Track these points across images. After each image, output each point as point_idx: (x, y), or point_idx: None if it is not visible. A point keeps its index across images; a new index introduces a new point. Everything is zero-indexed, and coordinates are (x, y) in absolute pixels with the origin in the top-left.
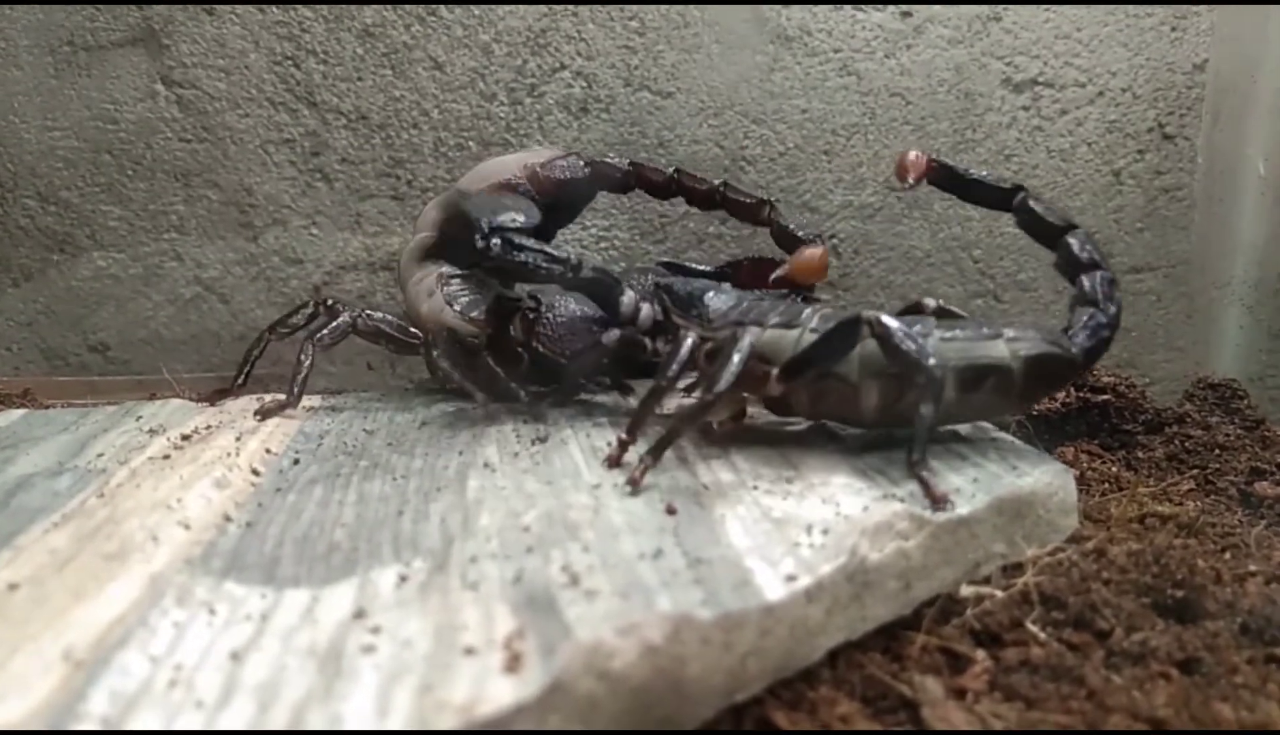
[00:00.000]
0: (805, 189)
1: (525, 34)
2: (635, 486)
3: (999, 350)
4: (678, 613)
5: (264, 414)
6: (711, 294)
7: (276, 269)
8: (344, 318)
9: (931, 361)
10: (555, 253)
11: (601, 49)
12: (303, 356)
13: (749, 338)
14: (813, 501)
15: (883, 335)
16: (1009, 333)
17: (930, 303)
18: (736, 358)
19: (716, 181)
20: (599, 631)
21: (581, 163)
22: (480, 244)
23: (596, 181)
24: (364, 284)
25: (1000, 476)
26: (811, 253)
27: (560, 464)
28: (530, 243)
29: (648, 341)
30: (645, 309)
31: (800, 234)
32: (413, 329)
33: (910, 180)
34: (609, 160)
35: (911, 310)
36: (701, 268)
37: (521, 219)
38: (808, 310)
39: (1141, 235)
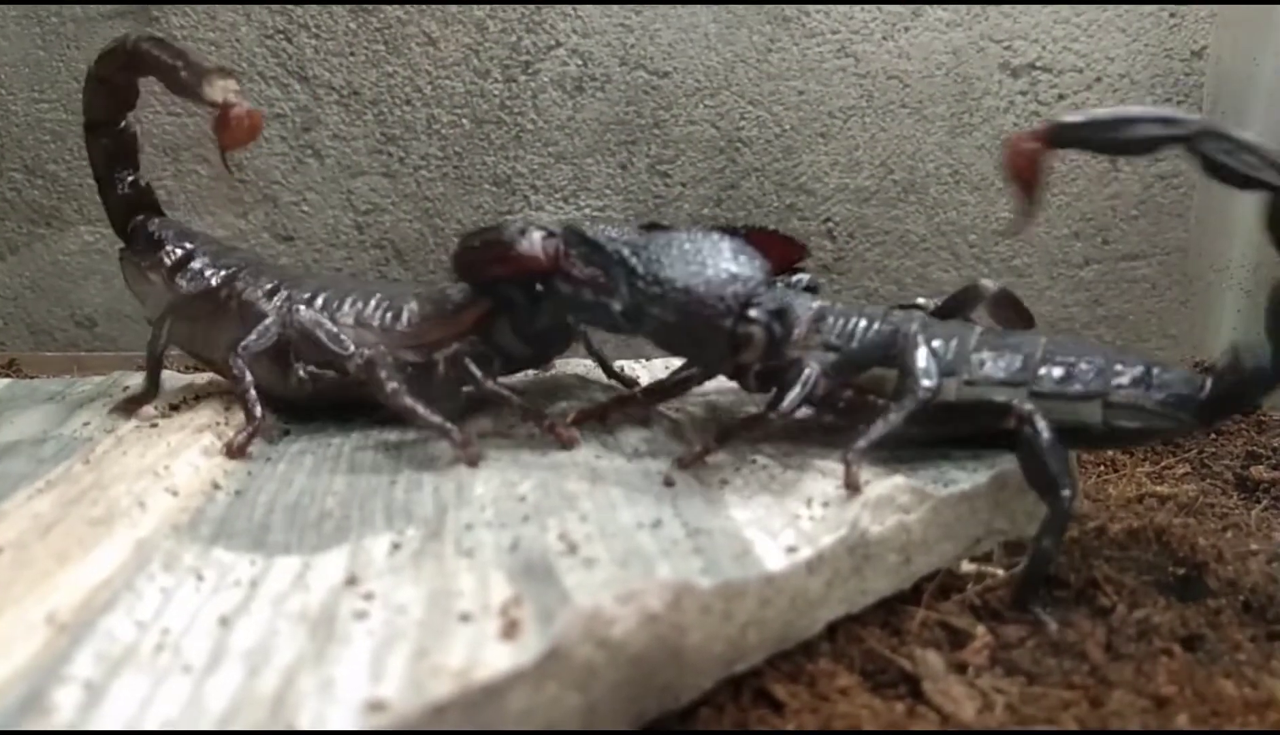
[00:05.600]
0: (801, 172)
1: (520, 10)
2: (684, 466)
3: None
4: (678, 581)
5: None
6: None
7: (266, 245)
8: None
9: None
10: None
11: (597, 26)
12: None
13: (816, 369)
14: (812, 475)
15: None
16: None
17: (924, 302)
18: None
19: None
20: (598, 598)
21: None
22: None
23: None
24: (354, 263)
25: (1001, 452)
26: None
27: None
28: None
29: None
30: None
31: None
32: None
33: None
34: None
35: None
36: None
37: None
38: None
39: (1137, 222)
